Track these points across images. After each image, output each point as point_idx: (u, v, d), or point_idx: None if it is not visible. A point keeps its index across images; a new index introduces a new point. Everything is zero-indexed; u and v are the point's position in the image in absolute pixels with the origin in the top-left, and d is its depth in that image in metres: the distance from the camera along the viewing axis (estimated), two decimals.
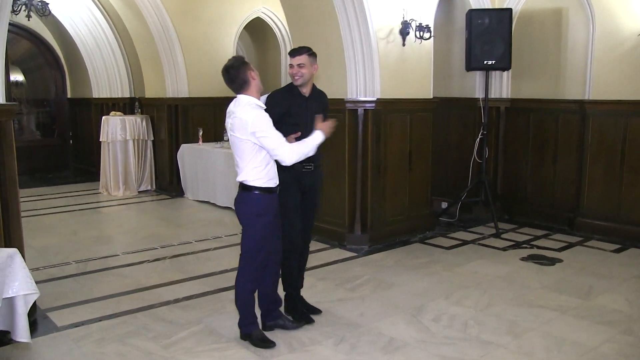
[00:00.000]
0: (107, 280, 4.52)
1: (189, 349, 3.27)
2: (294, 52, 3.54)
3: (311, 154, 3.22)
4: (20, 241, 3.61)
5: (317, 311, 3.74)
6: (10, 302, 2.75)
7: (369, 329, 3.53)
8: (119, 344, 3.35)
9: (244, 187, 3.19)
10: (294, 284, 3.70)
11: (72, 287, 4.36)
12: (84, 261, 5.02)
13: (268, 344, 3.25)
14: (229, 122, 3.17)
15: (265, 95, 3.53)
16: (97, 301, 4.06)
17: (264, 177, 3.15)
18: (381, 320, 3.66)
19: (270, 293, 3.40)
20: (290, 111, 3.48)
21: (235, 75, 3.13)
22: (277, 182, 3.24)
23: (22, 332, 2.74)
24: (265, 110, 3.19)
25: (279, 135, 3.10)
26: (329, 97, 3.79)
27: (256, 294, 3.36)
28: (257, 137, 3.05)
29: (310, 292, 4.05)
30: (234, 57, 3.23)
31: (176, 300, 4.05)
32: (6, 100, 3.57)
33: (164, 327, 3.58)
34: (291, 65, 3.51)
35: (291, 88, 3.58)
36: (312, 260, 4.28)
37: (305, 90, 3.56)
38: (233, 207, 6.79)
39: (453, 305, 3.92)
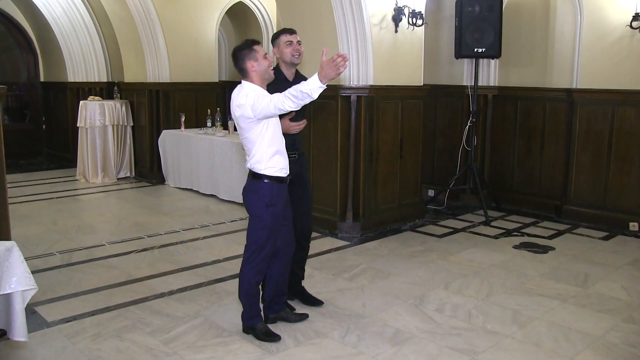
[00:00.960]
0: (95, 272, 4.35)
1: (191, 344, 3.16)
2: (291, 30, 3.43)
3: (310, 99, 2.79)
4: (8, 233, 3.36)
5: (319, 303, 3.68)
6: (6, 298, 2.57)
7: (374, 320, 3.48)
8: (116, 339, 3.21)
9: (253, 175, 3.08)
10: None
11: (58, 280, 4.17)
12: (69, 252, 4.83)
13: (273, 338, 3.17)
14: (233, 110, 3.07)
15: None
16: (87, 294, 3.90)
17: (274, 165, 3.04)
18: (384, 311, 3.61)
19: (279, 285, 3.30)
20: None
21: (236, 60, 3.08)
22: (288, 172, 3.14)
23: (19, 331, 2.56)
24: None
25: (271, 96, 2.92)
26: None
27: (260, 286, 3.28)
28: (254, 108, 2.90)
29: (309, 282, 3.98)
30: (245, 40, 3.12)
31: (170, 292, 3.92)
32: None
33: (161, 321, 3.45)
34: (290, 43, 3.38)
35: (276, 72, 3.42)
36: None
37: (290, 74, 3.46)
38: (217, 195, 6.89)
39: (454, 295, 3.90)
